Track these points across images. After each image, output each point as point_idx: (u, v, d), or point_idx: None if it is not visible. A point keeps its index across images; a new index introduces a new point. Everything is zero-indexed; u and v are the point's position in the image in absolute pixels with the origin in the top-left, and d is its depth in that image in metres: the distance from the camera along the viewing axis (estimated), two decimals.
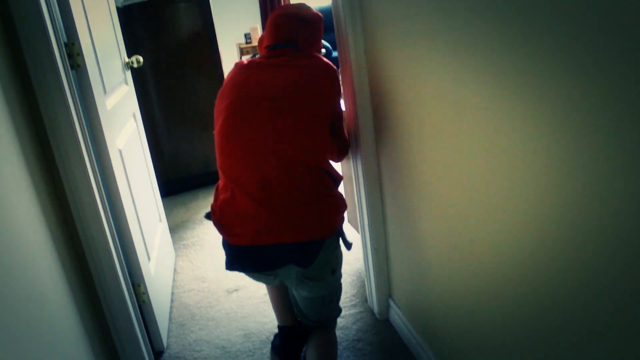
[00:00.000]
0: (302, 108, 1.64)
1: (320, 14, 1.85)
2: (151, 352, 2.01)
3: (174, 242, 3.03)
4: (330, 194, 1.69)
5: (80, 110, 1.72)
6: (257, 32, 5.24)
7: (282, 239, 1.62)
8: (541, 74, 0.88)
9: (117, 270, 1.80)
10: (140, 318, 1.95)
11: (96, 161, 1.78)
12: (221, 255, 2.77)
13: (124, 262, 1.89)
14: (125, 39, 3.35)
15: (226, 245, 1.74)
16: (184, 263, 2.78)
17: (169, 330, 2.21)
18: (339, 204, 1.72)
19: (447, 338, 1.59)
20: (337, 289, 1.85)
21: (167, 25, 3.50)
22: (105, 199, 1.81)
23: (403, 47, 1.43)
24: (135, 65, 2.47)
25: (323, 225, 1.66)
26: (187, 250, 2.91)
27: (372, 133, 1.82)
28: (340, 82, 1.82)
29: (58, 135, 1.63)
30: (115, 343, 1.86)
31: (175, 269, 2.72)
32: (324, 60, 1.77)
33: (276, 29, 1.79)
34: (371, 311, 2.15)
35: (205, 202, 3.59)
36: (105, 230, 1.75)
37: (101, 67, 1.94)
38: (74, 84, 1.69)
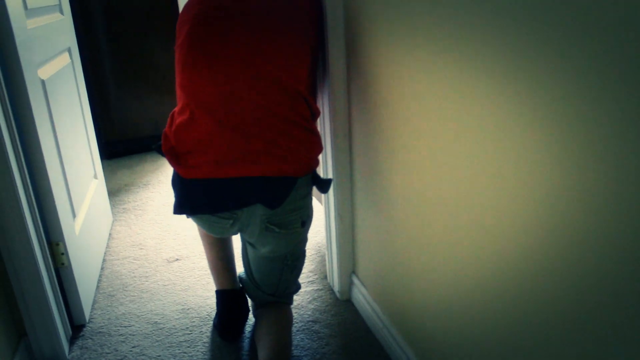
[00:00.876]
0: (283, 21, 1.37)
1: None
2: (68, 326, 1.69)
3: (113, 205, 2.69)
4: (308, 125, 1.41)
5: None
6: None
7: (248, 171, 1.33)
8: (532, 71, 0.63)
9: (25, 221, 1.46)
10: (57, 284, 1.63)
11: (5, 86, 1.44)
12: (164, 221, 2.47)
13: (37, 213, 1.56)
14: None
15: (177, 181, 1.43)
16: (122, 228, 2.44)
17: (94, 302, 1.89)
18: (316, 140, 1.45)
19: (419, 321, 1.33)
20: (302, 251, 1.62)
21: None
22: (15, 132, 1.47)
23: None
24: None
25: (297, 159, 1.38)
26: (127, 215, 2.58)
27: (344, 72, 1.53)
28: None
29: None
30: (22, 313, 1.54)
31: (110, 234, 2.39)
32: None
33: None
34: (331, 289, 1.88)
35: (154, 166, 3.25)
36: (11, 169, 1.42)
37: None
38: None
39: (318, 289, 1.89)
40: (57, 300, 1.62)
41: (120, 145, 3.44)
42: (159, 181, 2.99)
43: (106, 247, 2.26)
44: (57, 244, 1.64)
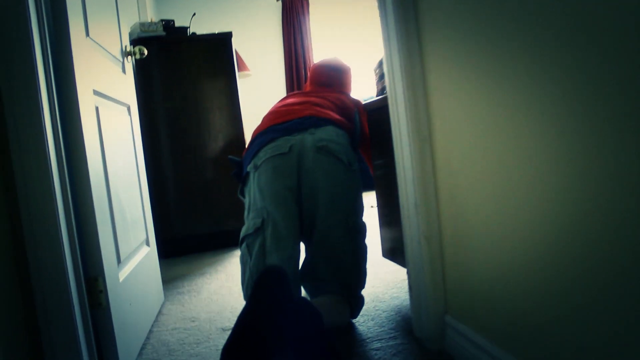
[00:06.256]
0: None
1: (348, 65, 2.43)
2: None
3: (167, 290, 2.46)
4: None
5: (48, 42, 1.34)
6: None
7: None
8: None
9: (63, 250, 1.28)
10: (90, 326, 1.37)
11: (58, 108, 1.35)
12: (221, 300, 2.21)
13: (77, 245, 1.36)
14: (138, 78, 3.10)
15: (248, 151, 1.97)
16: (173, 307, 2.19)
17: None
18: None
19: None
20: (360, 218, 1.80)
21: (184, 65, 3.25)
22: (62, 152, 1.35)
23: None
24: (137, 56, 2.13)
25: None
26: (181, 297, 2.33)
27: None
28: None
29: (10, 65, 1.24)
30: (45, 348, 1.28)
31: (160, 311, 2.13)
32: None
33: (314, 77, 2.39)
34: (418, 342, 1.52)
35: (212, 260, 3.06)
36: (55, 193, 1.27)
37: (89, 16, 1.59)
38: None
39: (402, 343, 1.52)
40: (89, 343, 1.35)
41: (178, 243, 3.30)
42: (216, 270, 2.77)
43: (154, 322, 2.00)
44: (96, 280, 1.41)
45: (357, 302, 1.71)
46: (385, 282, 2.18)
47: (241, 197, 1.94)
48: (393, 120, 1.49)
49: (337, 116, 1.99)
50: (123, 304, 1.57)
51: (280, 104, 2.14)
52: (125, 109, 2.03)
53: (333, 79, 2.34)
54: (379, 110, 1.92)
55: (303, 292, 2.01)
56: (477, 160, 1.17)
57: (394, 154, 1.54)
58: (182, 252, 3.32)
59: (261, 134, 1.91)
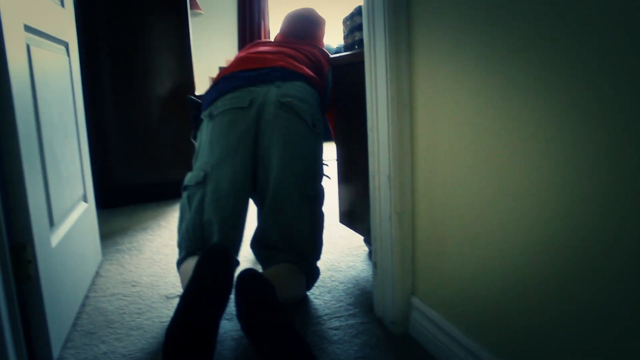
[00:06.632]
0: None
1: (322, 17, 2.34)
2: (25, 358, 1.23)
3: (105, 247, 2.28)
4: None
5: None
6: None
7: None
8: None
9: None
10: (15, 303, 1.20)
11: None
12: (164, 260, 2.06)
13: (0, 208, 1.17)
14: (79, 12, 2.78)
15: (209, 90, 1.86)
16: (112, 267, 2.02)
17: (67, 340, 1.44)
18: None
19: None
20: (320, 183, 1.69)
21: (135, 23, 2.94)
22: None
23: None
24: None
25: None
26: (120, 255, 2.16)
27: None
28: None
29: None
30: None
31: (98, 273, 1.96)
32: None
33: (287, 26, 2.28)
34: (379, 322, 1.44)
35: (155, 213, 2.88)
36: None
37: None
38: None
39: (363, 322, 1.44)
40: (14, 322, 1.18)
41: (118, 193, 3.08)
42: (159, 225, 2.60)
43: (90, 285, 1.83)
44: (24, 248, 1.23)
45: (313, 274, 1.61)
46: (340, 249, 2.09)
47: (194, 141, 1.81)
48: (369, 80, 1.35)
49: (310, 72, 1.88)
50: (56, 272, 1.40)
51: (252, 49, 2.02)
52: (63, 47, 1.78)
53: (307, 31, 2.24)
54: (347, 67, 1.78)
55: (245, 259, 1.90)
56: (464, 134, 1.06)
57: (363, 117, 1.42)
58: (123, 202, 3.11)
59: (225, 79, 1.80)
